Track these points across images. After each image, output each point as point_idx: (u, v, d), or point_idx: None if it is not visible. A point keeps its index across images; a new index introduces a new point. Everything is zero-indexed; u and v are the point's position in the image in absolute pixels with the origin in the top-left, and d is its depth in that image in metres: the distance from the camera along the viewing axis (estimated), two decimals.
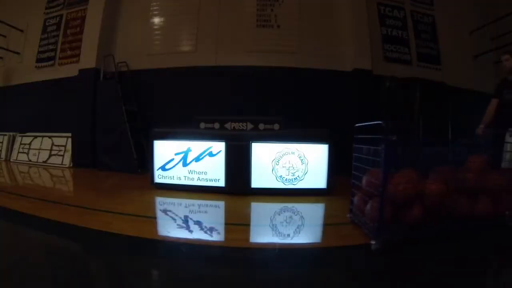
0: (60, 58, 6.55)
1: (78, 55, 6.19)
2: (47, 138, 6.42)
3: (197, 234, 2.25)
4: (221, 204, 3.28)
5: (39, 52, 6.83)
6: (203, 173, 3.66)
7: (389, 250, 1.90)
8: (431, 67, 6.27)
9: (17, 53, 7.11)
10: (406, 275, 1.67)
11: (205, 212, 3.06)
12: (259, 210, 3.18)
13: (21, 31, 7.09)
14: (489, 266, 1.90)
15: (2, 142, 6.94)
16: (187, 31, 5.86)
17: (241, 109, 4.98)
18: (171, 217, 2.78)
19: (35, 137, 6.55)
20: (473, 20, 6.70)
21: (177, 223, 2.55)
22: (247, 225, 2.65)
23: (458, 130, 6.04)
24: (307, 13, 5.76)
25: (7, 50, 7.07)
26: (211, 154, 3.64)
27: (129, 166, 5.18)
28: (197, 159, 3.67)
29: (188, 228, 2.28)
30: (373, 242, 1.93)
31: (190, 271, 1.70)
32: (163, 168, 3.75)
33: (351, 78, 5.53)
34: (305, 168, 3.51)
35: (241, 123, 4.33)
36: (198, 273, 1.68)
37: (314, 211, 3.14)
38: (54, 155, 6.17)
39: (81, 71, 5.95)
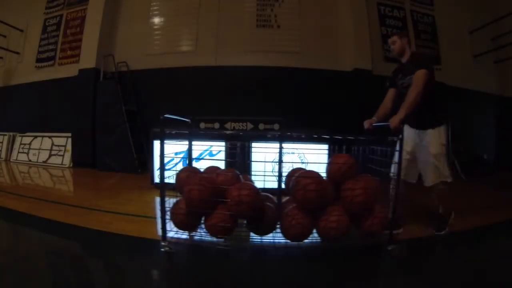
0: (60, 58, 6.55)
1: (78, 55, 6.18)
2: (47, 138, 6.42)
3: (197, 234, 2.25)
4: None
5: (39, 52, 6.82)
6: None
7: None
8: None
9: (17, 53, 7.10)
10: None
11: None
12: None
13: (21, 31, 7.09)
14: None
15: (2, 142, 6.94)
16: (187, 31, 5.85)
17: (241, 109, 4.98)
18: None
19: (35, 137, 6.55)
20: (473, 20, 6.70)
21: None
22: None
23: (458, 130, 6.06)
24: (307, 13, 5.76)
25: (7, 50, 7.07)
26: (211, 154, 3.64)
27: (129, 166, 5.18)
28: (197, 159, 3.66)
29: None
30: (162, 242, 1.82)
31: (190, 271, 1.70)
32: None
33: (351, 78, 5.53)
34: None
35: (241, 123, 4.33)
36: (198, 273, 1.68)
37: None
38: (54, 155, 6.16)
39: (81, 71, 5.94)
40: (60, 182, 4.66)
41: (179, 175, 1.96)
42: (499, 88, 7.08)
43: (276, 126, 4.53)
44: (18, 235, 2.26)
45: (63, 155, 6.07)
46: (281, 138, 1.90)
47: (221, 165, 2.38)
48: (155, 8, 6.03)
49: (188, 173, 1.92)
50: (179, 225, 1.86)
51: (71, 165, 5.93)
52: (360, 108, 5.35)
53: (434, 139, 2.21)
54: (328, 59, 5.69)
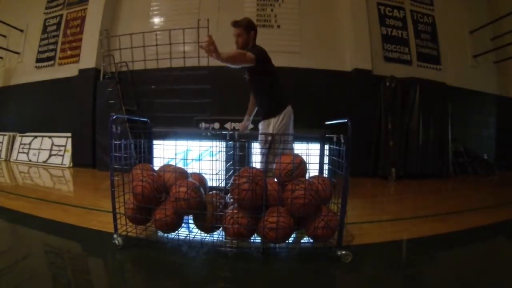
0: (60, 58, 6.55)
1: (78, 55, 6.19)
2: (47, 138, 6.42)
3: (197, 234, 2.25)
4: None
5: (39, 52, 6.83)
6: (203, 173, 3.65)
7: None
8: (431, 67, 6.28)
9: (17, 53, 7.11)
10: None
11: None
12: None
13: (21, 31, 7.10)
14: None
15: (2, 142, 6.94)
16: (187, 31, 5.85)
17: (241, 109, 4.97)
18: None
19: (35, 137, 6.55)
20: (473, 20, 6.71)
21: None
22: None
23: (457, 130, 6.07)
24: (307, 13, 5.76)
25: (7, 50, 7.08)
26: (211, 154, 3.64)
27: (130, 166, 5.17)
28: (197, 159, 3.66)
29: (188, 227, 2.28)
30: (115, 235, 1.87)
31: (189, 270, 1.70)
32: None
33: (351, 78, 5.53)
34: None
35: (241, 123, 4.31)
36: (198, 272, 1.68)
37: None
38: (54, 155, 6.17)
39: (81, 71, 5.94)
40: (60, 182, 4.66)
41: (132, 171, 2.05)
42: (498, 88, 7.09)
43: None
44: (18, 235, 2.26)
45: (63, 155, 6.07)
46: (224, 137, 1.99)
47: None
48: (155, 8, 6.04)
49: (140, 170, 2.00)
50: (130, 219, 1.95)
51: (71, 165, 5.93)
52: (360, 108, 5.41)
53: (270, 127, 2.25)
54: (328, 59, 5.70)
